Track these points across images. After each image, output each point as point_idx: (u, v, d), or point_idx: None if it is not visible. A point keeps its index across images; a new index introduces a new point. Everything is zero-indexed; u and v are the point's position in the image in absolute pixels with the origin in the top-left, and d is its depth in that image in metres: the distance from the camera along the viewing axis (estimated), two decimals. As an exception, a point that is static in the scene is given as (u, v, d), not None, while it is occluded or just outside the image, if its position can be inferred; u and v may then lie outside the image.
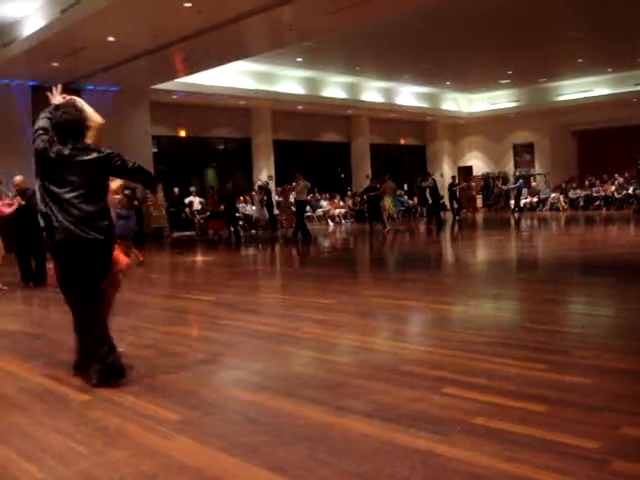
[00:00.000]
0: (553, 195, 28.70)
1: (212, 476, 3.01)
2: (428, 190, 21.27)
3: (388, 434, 3.40)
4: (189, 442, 3.41)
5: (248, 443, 3.36)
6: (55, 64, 17.16)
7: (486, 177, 32.86)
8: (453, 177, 27.25)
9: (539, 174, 31.43)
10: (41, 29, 14.94)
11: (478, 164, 34.19)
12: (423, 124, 33.29)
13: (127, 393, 4.28)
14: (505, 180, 30.23)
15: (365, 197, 22.53)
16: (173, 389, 4.37)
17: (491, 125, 32.59)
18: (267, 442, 3.37)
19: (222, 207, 20.40)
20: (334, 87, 26.56)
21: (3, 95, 18.56)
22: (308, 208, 26.13)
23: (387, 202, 19.90)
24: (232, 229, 19.50)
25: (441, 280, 9.89)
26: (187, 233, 22.35)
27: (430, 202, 21.39)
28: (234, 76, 22.71)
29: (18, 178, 10.45)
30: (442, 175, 32.22)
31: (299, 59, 22.05)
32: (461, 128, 34.42)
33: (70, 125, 4.69)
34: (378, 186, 20.63)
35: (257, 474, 3.00)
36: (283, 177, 26.17)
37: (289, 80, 24.88)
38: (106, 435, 3.56)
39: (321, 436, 3.43)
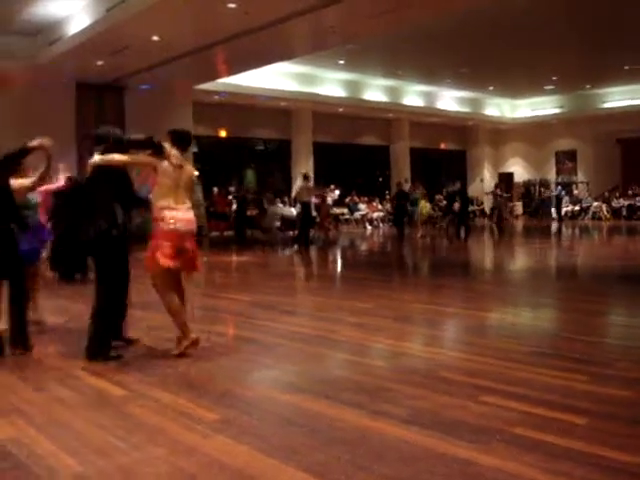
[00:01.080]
0: (595, 204, 28.22)
1: (251, 476, 3.02)
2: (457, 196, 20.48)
3: (426, 440, 3.38)
4: (227, 441, 3.42)
5: (286, 444, 3.37)
6: (100, 62, 17.40)
7: (527, 184, 32.46)
8: (496, 184, 26.73)
9: (581, 182, 30.95)
10: (86, 27, 15.13)
11: (519, 171, 33.78)
12: (464, 129, 33.03)
13: (165, 391, 4.32)
14: (545, 187, 29.79)
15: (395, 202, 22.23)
16: (211, 388, 4.40)
17: (533, 131, 32.19)
18: (305, 444, 3.38)
19: (234, 208, 20.34)
20: (375, 90, 26.49)
21: (48, 92, 18.87)
22: (346, 211, 26.15)
23: (422, 207, 19.53)
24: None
25: (479, 287, 9.80)
26: (225, 233, 22.46)
27: (457, 209, 20.43)
28: (275, 77, 22.79)
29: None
30: (482, 180, 31.92)
31: (341, 61, 22.04)
32: (503, 134, 34.06)
33: None
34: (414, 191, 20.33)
35: (295, 476, 3.01)
36: (321, 180, 26.22)
37: (330, 82, 24.88)
38: (145, 432, 3.60)
39: (359, 440, 3.42)
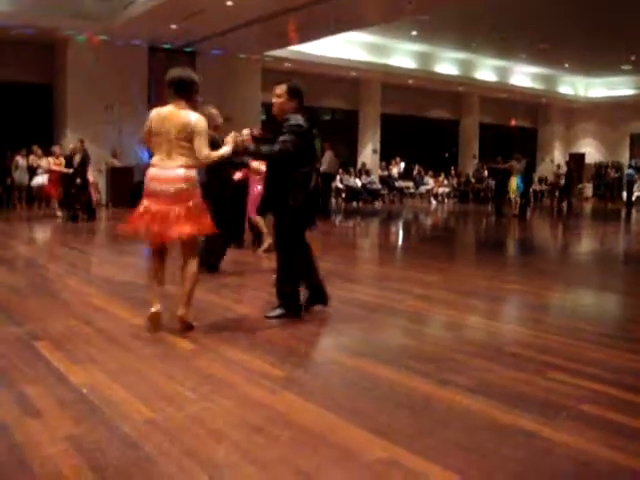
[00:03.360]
0: (668, 189, 27.32)
1: (316, 433, 3.06)
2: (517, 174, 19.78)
3: (492, 411, 3.36)
4: (294, 398, 3.47)
5: (351, 405, 3.40)
6: (173, 26, 17.58)
7: (598, 166, 31.58)
8: (567, 163, 25.96)
9: (656, 166, 29.97)
10: (162, -9, 15.30)
11: (591, 152, 32.89)
12: (536, 106, 32.27)
13: (234, 347, 4.40)
14: (617, 170, 28.91)
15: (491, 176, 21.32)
16: (278, 347, 4.46)
17: (608, 112, 31.21)
18: (369, 406, 3.40)
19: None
20: (447, 63, 26.06)
21: (121, 54, 19.19)
22: (411, 184, 25.95)
23: (512, 184, 18.71)
24: None
25: (547, 266, 9.62)
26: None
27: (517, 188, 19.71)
28: (345, 46, 22.63)
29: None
30: (552, 161, 31.19)
31: (414, 32, 21.74)
32: (576, 113, 33.13)
33: None
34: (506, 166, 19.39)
35: (360, 435, 3.03)
36: (388, 152, 26.04)
37: (401, 53, 24.57)
38: (213, 384, 3.68)
39: (424, 406, 3.43)
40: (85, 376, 3.77)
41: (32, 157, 17.27)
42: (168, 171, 4.61)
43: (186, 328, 4.74)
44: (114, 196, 18.20)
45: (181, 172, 4.61)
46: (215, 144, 5.41)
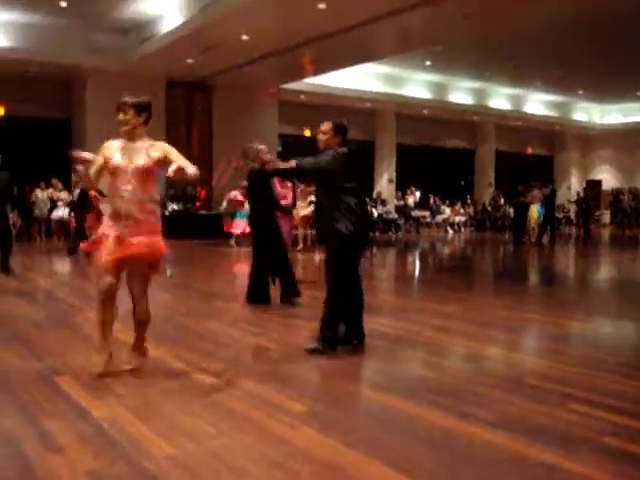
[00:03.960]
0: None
1: (337, 468, 3.05)
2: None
3: (512, 444, 3.34)
4: (313, 433, 3.47)
5: (371, 439, 3.40)
6: (190, 60, 17.85)
7: (615, 192, 31.45)
8: (585, 190, 25.81)
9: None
10: (178, 26, 15.54)
11: (608, 178, 32.78)
12: (551, 134, 32.28)
13: (253, 380, 4.41)
14: (635, 196, 28.75)
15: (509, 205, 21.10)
16: (297, 380, 4.47)
17: (624, 138, 31.15)
18: (390, 440, 3.39)
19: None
20: (461, 92, 26.20)
21: (139, 90, 19.28)
22: (427, 214, 25.93)
23: (533, 212, 18.53)
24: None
25: (565, 295, 9.58)
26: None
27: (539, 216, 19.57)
28: (360, 78, 22.84)
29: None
30: (569, 188, 31.12)
31: (427, 62, 21.91)
32: (591, 140, 33.09)
33: None
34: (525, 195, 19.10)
35: (380, 471, 3.03)
36: (403, 181, 26.11)
37: (416, 83, 24.75)
38: (233, 419, 3.69)
39: (444, 440, 3.41)
40: (106, 411, 3.79)
41: (51, 190, 17.50)
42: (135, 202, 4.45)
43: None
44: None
45: (149, 204, 4.51)
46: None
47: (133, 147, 4.56)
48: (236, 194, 15.90)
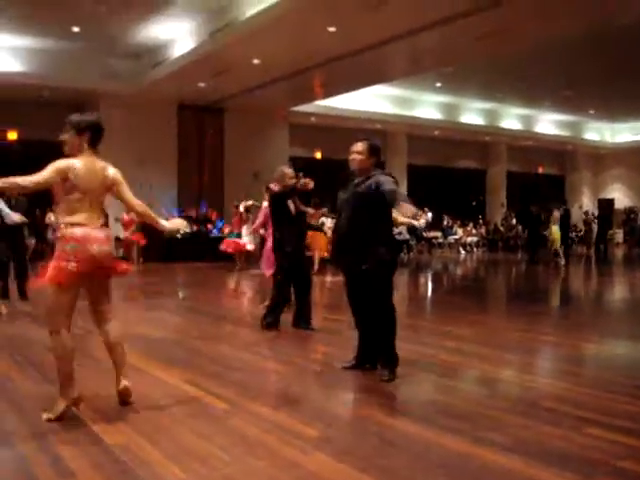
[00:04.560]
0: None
1: (350, 495, 3.02)
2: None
3: (528, 469, 3.30)
4: (326, 459, 3.44)
5: (385, 465, 3.36)
6: (201, 84, 18.02)
7: (628, 211, 31.30)
8: (586, 212, 25.90)
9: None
10: (190, 51, 15.73)
11: (620, 197, 32.66)
12: (563, 153, 32.26)
13: (265, 405, 4.39)
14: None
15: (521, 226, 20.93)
16: (309, 405, 4.44)
17: (636, 157, 31.10)
18: (404, 466, 3.36)
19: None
20: (472, 113, 26.27)
21: (151, 112, 19.64)
22: (439, 234, 25.88)
23: (554, 232, 18.24)
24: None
25: (579, 316, 9.51)
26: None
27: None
28: (371, 99, 22.95)
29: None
30: (581, 207, 31.01)
31: (438, 84, 22.00)
32: (603, 159, 33.04)
33: None
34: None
35: (395, 497, 2.99)
36: (415, 202, 26.02)
37: (426, 105, 24.84)
38: (245, 444, 3.66)
39: (459, 466, 3.37)
40: (118, 437, 3.77)
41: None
42: (101, 231, 4.21)
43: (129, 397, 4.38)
44: (145, 251, 18.43)
45: (109, 232, 4.33)
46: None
47: (93, 168, 4.27)
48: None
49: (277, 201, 7.47)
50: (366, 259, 5.04)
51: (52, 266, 4.09)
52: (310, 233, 14.36)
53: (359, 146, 5.25)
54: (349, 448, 3.62)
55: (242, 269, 15.89)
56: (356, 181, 5.25)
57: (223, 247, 16.40)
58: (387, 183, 5.04)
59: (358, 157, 5.23)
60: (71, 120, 4.24)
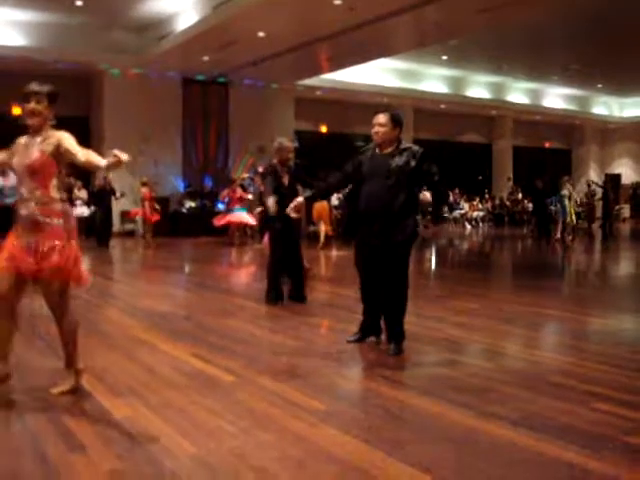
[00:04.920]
0: None
1: (358, 467, 3.04)
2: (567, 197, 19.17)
3: (535, 444, 3.31)
4: (334, 432, 3.46)
5: (392, 438, 3.38)
6: (206, 58, 17.88)
7: (635, 186, 31.16)
8: (604, 183, 25.39)
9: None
10: (195, 24, 15.60)
11: (627, 172, 32.49)
12: (570, 127, 32.04)
13: (272, 379, 4.41)
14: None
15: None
16: (316, 379, 4.45)
17: (644, 131, 30.90)
18: (411, 439, 3.37)
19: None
20: (478, 87, 26.06)
21: (156, 87, 19.54)
22: (445, 209, 25.79)
23: (566, 207, 17.88)
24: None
25: (585, 291, 9.51)
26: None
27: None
28: (377, 73, 22.77)
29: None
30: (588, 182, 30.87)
31: (444, 57, 21.81)
32: (611, 133, 32.82)
33: None
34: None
35: (403, 470, 3.01)
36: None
37: (433, 78, 24.65)
38: (253, 417, 3.68)
39: (466, 439, 3.39)
40: (127, 410, 3.80)
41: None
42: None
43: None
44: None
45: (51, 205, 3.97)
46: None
47: (33, 142, 4.00)
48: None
49: (267, 176, 7.47)
50: (400, 231, 5.03)
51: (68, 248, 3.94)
52: (317, 205, 14.31)
53: (381, 118, 5.13)
54: (356, 421, 3.64)
55: (242, 244, 15.94)
56: (385, 152, 5.16)
57: (219, 222, 16.25)
58: (434, 167, 5.16)
59: (382, 129, 5.12)
60: (43, 89, 4.02)
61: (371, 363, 5.01)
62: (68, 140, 3.96)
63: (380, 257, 5.11)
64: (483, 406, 3.86)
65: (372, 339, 5.42)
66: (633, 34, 18.03)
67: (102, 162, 3.82)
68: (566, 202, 17.48)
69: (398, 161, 5.06)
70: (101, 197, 15.78)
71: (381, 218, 5.03)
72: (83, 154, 3.89)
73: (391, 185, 5.01)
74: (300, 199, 5.57)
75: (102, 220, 15.58)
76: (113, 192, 15.65)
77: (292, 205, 5.50)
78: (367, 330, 5.40)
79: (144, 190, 15.86)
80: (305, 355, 5.11)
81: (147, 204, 15.79)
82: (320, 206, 14.55)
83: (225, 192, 16.60)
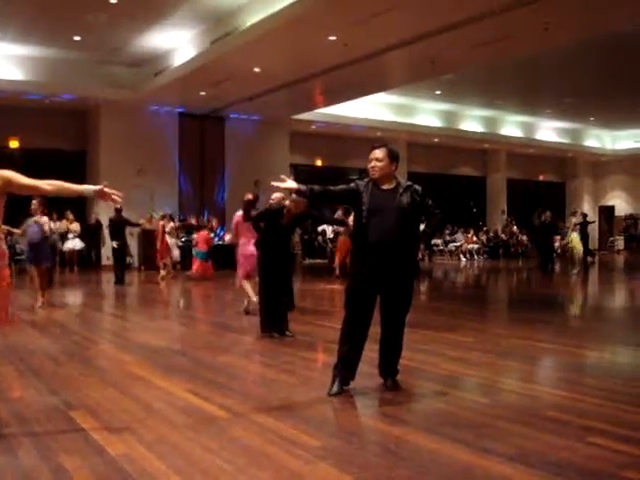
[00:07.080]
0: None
1: (355, 506, 3.02)
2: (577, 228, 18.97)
3: (533, 480, 3.29)
4: (330, 470, 3.43)
5: (389, 476, 3.35)
6: (202, 93, 18.06)
7: (629, 218, 31.33)
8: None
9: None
10: (191, 59, 15.78)
11: (621, 204, 32.68)
12: (563, 160, 32.30)
13: (268, 415, 4.38)
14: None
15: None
16: (312, 414, 4.42)
17: (636, 164, 31.11)
18: (408, 477, 3.34)
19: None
20: (472, 120, 26.30)
21: (153, 121, 19.69)
22: (440, 242, 25.85)
23: (574, 240, 17.85)
24: None
25: (580, 323, 9.51)
26: (319, 261, 22.66)
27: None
28: (371, 107, 22.99)
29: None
30: (582, 214, 31.05)
31: (437, 92, 22.04)
32: (603, 166, 33.07)
33: None
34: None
35: (399, 508, 2.99)
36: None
37: (426, 112, 24.88)
38: (249, 455, 3.65)
39: (464, 476, 3.36)
40: (121, 447, 3.76)
41: (64, 222, 17.64)
42: None
43: None
44: (145, 259, 18.45)
45: None
46: None
47: None
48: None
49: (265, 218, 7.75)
50: (410, 265, 5.05)
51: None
52: (341, 239, 14.59)
53: (378, 153, 5.03)
54: (353, 458, 3.61)
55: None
56: (386, 187, 5.06)
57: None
58: (433, 206, 5.20)
59: (379, 164, 5.01)
60: None
61: (367, 398, 4.98)
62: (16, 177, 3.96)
63: (385, 293, 5.02)
64: (480, 442, 3.84)
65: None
66: (625, 68, 18.26)
67: (80, 188, 3.96)
68: (572, 235, 17.48)
69: (405, 198, 5.00)
70: (116, 230, 14.95)
71: (394, 252, 4.94)
72: (48, 183, 3.94)
73: (401, 222, 4.96)
74: (294, 196, 5.69)
75: (116, 257, 14.83)
76: (128, 222, 15.13)
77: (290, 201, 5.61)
78: (345, 376, 5.08)
79: (162, 223, 15.75)
80: (300, 390, 5.08)
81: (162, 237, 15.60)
82: (344, 238, 14.76)
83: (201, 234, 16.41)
